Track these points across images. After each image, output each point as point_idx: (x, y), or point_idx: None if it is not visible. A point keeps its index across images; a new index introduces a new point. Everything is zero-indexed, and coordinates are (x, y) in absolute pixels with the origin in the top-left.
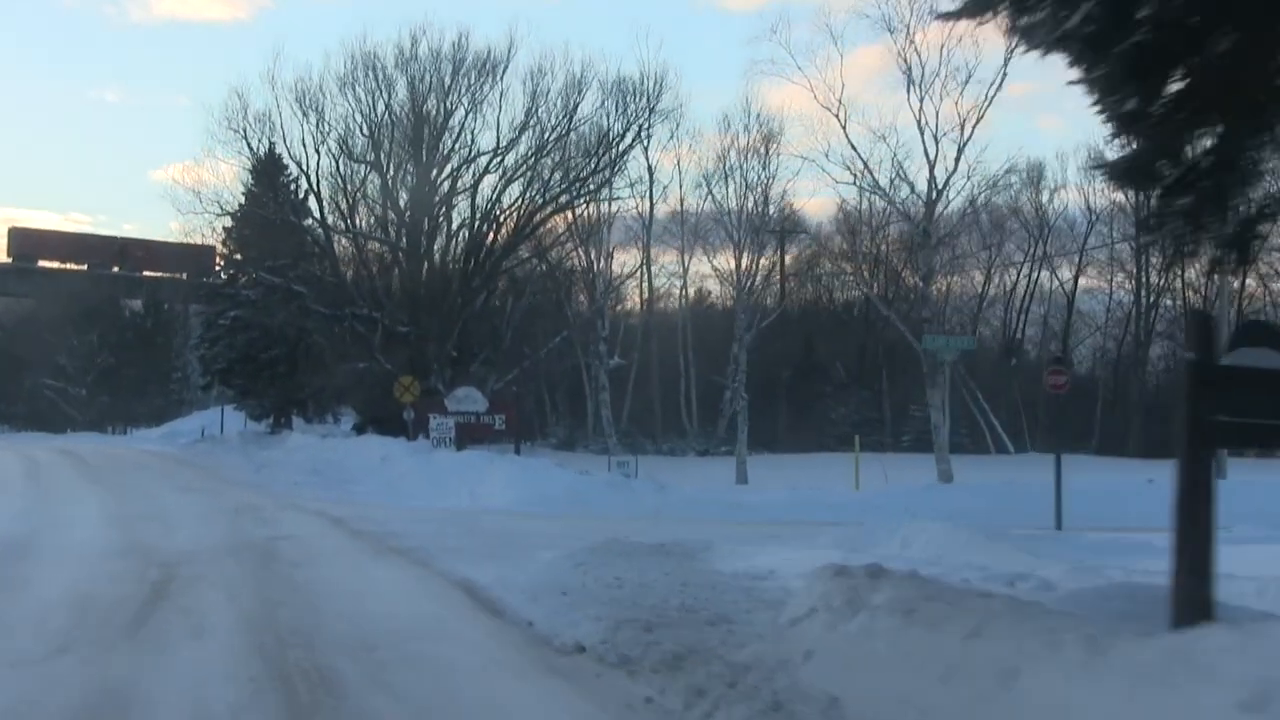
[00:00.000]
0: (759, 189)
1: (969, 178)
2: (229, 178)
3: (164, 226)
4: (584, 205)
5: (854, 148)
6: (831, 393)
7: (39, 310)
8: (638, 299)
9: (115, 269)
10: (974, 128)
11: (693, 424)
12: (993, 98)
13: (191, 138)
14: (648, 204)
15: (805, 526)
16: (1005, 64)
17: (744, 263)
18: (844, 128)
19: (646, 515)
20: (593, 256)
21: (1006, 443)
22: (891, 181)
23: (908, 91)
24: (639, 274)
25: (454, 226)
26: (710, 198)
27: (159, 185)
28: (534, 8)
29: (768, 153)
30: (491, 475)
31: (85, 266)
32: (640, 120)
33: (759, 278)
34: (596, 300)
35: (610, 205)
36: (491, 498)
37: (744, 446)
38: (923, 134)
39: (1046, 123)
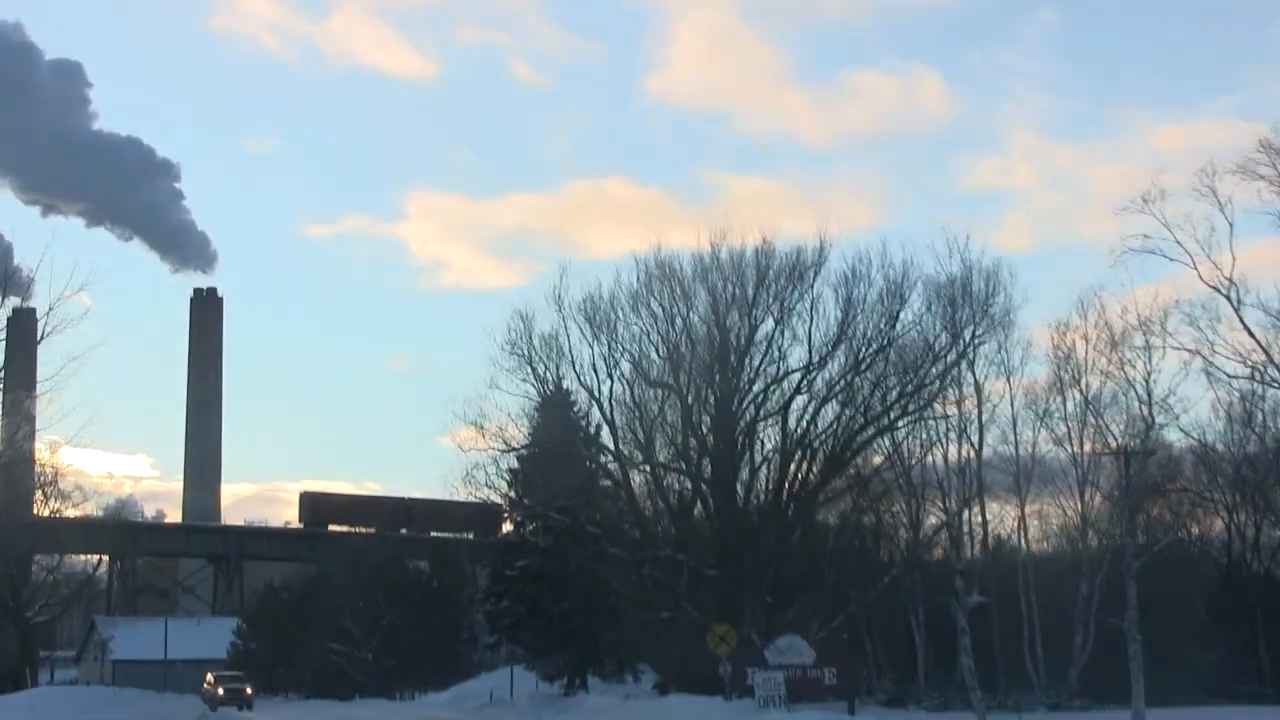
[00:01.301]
0: (1115, 396)
1: None
2: (514, 411)
3: (452, 491)
4: (908, 428)
5: (1250, 333)
6: (1191, 638)
7: (327, 573)
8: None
9: (402, 530)
10: None
11: (1039, 675)
12: None
13: (476, 392)
14: (976, 425)
15: None
16: None
17: (1101, 487)
18: (1237, 311)
19: None
20: (916, 482)
21: None
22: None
23: None
24: (969, 508)
25: (762, 455)
26: (1054, 413)
27: (445, 449)
28: (847, 203)
29: (1147, 351)
30: None
31: (373, 529)
32: (970, 327)
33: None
34: (919, 531)
35: (937, 426)
36: None
37: (1141, 700)
38: None
39: None
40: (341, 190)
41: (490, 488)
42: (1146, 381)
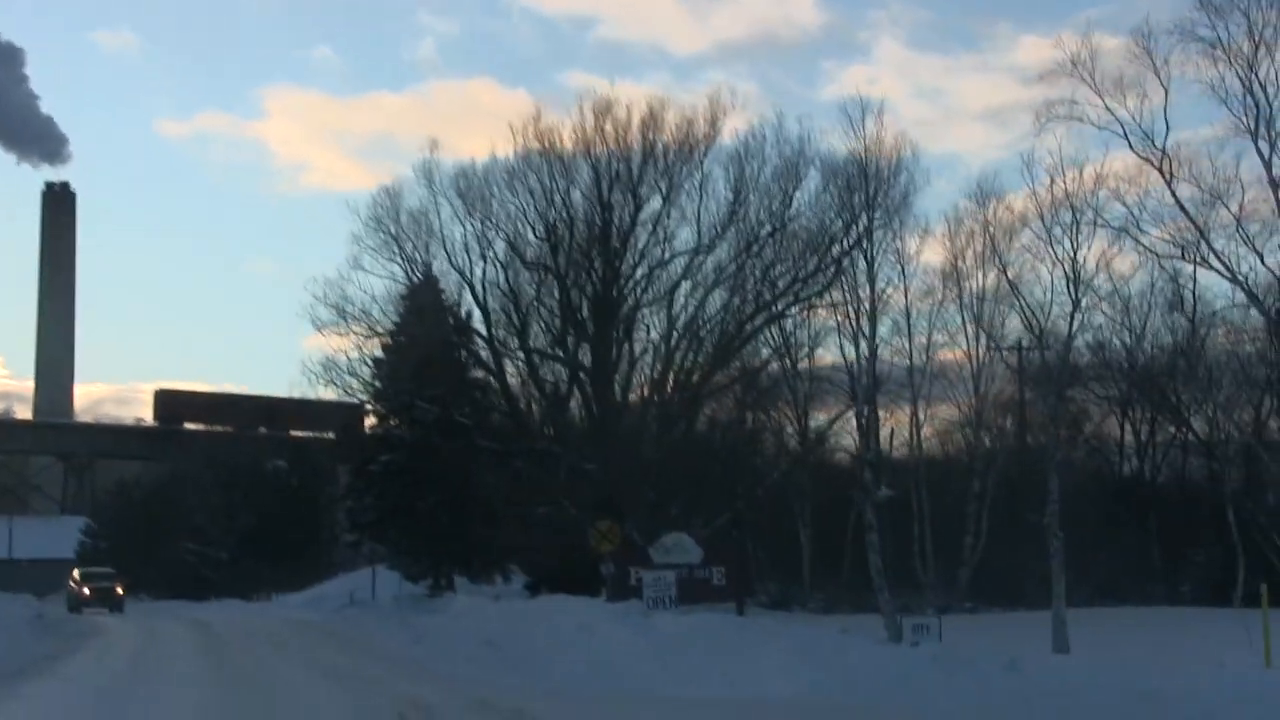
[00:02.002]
0: (1035, 274)
1: None
2: (379, 294)
3: (313, 385)
4: (799, 318)
5: (1183, 208)
6: (1084, 539)
7: (183, 473)
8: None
9: (261, 430)
10: None
11: (928, 576)
12: None
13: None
14: (870, 315)
15: None
16: None
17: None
18: (1169, 183)
19: None
20: (805, 375)
21: None
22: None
23: (1254, 137)
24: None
25: (646, 342)
26: (950, 305)
27: (308, 351)
28: (744, 76)
29: (1074, 227)
30: (756, 652)
31: (231, 428)
32: (871, 208)
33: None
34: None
35: (832, 315)
36: (762, 684)
37: (1063, 601)
38: (1276, 190)
39: None
40: (199, 87)
41: (353, 375)
42: (1074, 259)
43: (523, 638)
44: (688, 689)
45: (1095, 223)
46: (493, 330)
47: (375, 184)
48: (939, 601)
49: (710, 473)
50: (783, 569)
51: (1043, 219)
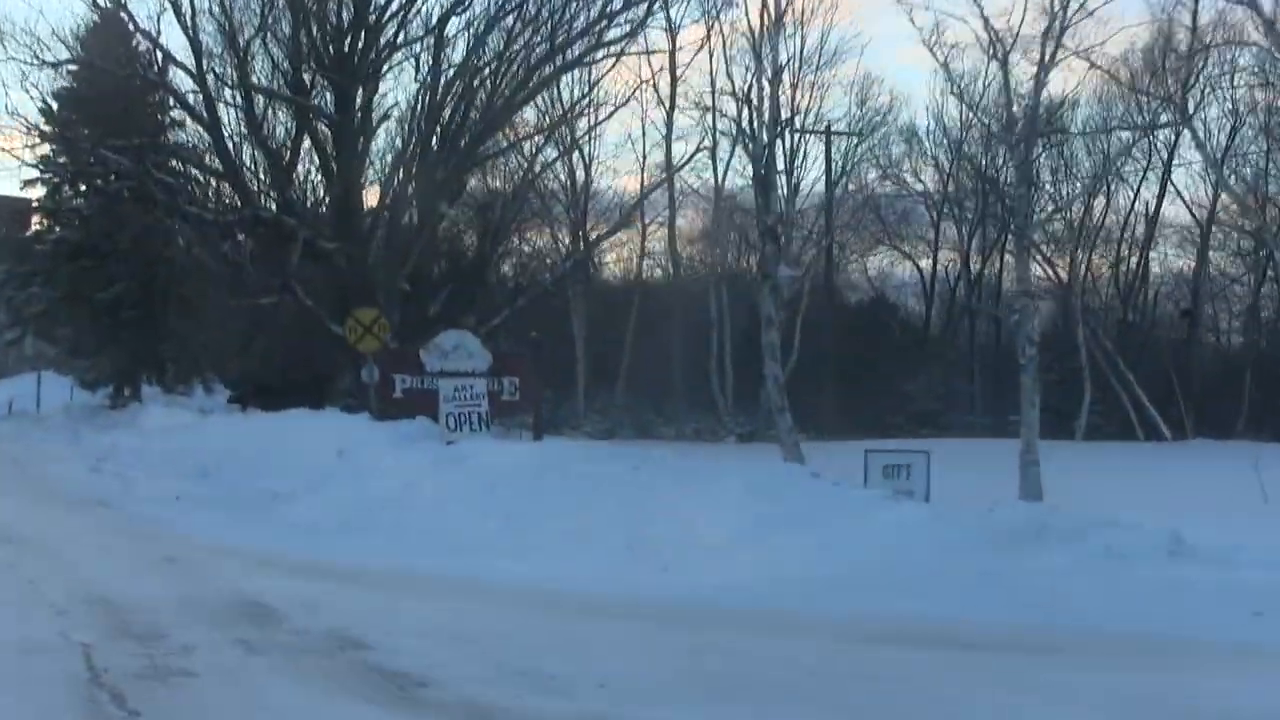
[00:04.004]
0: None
1: None
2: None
3: None
4: (599, 69)
5: None
6: (897, 363)
7: None
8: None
9: None
10: None
11: (727, 402)
12: None
13: None
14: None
15: None
16: None
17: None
18: None
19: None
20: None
21: (1162, 427)
22: None
23: None
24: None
25: (416, 81)
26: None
27: None
28: None
29: None
30: (687, 509)
31: None
32: None
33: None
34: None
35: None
36: (716, 571)
37: (1035, 434)
38: None
39: None
40: None
41: (15, 115)
42: None
43: (249, 467)
44: (564, 563)
45: None
46: (204, 67)
47: None
48: (740, 428)
49: (486, 258)
50: (554, 386)
51: None
